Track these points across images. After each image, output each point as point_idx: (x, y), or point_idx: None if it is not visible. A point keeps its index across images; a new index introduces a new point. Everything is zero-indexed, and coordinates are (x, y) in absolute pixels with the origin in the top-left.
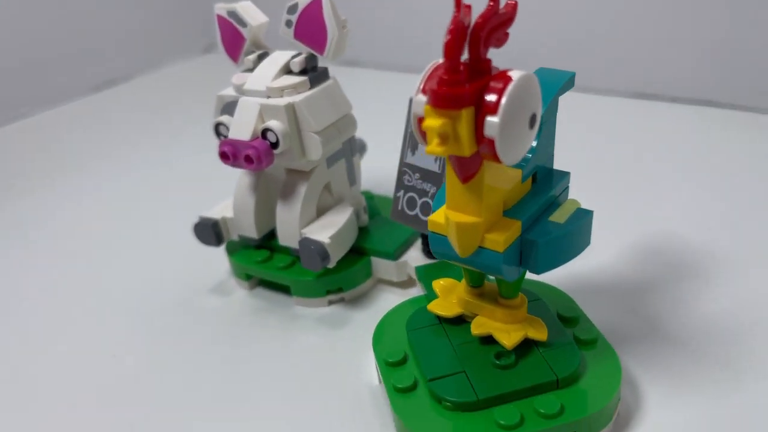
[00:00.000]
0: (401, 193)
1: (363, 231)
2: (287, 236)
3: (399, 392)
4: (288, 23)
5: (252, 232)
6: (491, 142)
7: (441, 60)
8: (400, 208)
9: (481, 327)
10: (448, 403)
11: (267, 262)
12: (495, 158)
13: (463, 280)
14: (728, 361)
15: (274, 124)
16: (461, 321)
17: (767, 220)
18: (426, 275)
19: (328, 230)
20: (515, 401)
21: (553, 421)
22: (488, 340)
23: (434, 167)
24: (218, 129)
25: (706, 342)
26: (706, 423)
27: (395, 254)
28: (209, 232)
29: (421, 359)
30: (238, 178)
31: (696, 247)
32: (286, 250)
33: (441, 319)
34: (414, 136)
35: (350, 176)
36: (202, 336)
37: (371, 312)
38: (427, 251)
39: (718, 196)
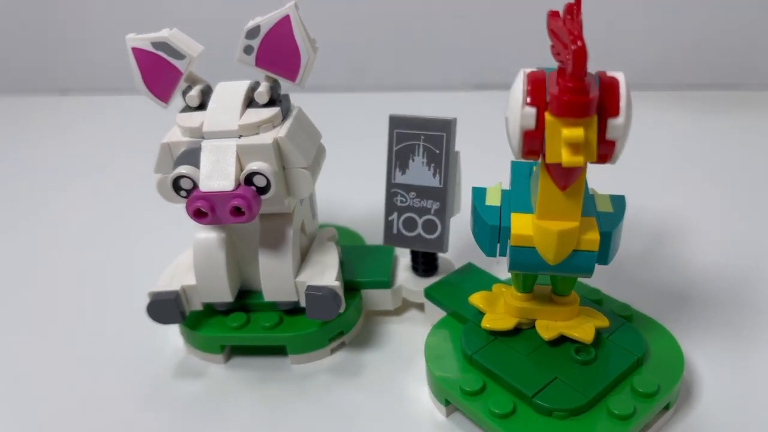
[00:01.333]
0: (394, 216)
1: (342, 265)
2: (278, 290)
3: (502, 418)
4: (247, 49)
5: (225, 296)
6: (612, 144)
7: (533, 69)
8: (395, 231)
9: (550, 330)
10: (562, 413)
11: (247, 326)
12: (606, 160)
13: (511, 289)
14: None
15: (262, 166)
16: (515, 331)
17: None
18: (436, 295)
19: (328, 272)
20: (613, 391)
21: (656, 398)
22: (555, 341)
23: (434, 182)
24: (179, 183)
25: (736, 299)
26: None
27: (391, 282)
28: (172, 308)
29: (508, 378)
30: (194, 235)
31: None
32: (266, 307)
33: (495, 335)
34: (398, 155)
35: (313, 209)
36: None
37: (381, 347)
38: (417, 269)
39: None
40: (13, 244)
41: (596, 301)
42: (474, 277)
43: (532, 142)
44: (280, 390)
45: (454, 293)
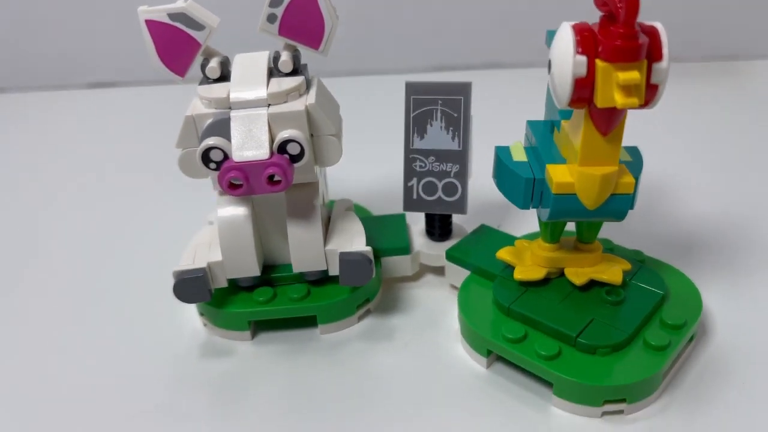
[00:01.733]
0: (414, 181)
1: None
2: (308, 260)
3: (551, 359)
4: (271, 18)
5: (253, 270)
6: (655, 88)
7: (581, 22)
8: (416, 197)
9: (581, 276)
10: (605, 349)
11: (275, 300)
12: (648, 104)
13: (538, 241)
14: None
15: (295, 133)
16: (544, 281)
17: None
18: (459, 255)
19: (357, 239)
20: (646, 326)
21: (685, 329)
22: (585, 287)
23: (453, 146)
24: (209, 155)
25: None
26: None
27: (410, 247)
28: (200, 286)
29: (550, 323)
30: (217, 209)
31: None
32: (291, 279)
33: (526, 286)
34: (416, 121)
35: (326, 181)
36: (256, 410)
37: (406, 311)
38: (433, 233)
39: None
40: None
41: (609, 249)
42: (490, 237)
43: (583, 90)
44: (314, 360)
45: (476, 252)
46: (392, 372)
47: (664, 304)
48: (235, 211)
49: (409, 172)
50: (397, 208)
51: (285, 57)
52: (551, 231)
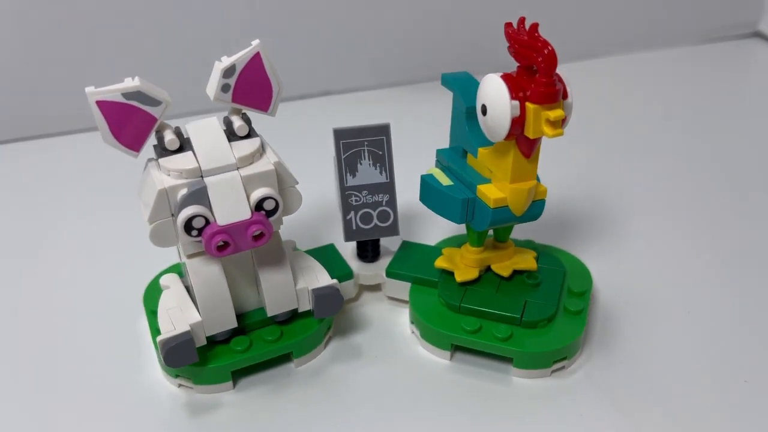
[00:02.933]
0: (351, 214)
1: None
2: (282, 301)
3: (507, 340)
4: (225, 87)
5: (232, 323)
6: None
7: (500, 74)
8: (355, 227)
9: (506, 268)
10: (544, 321)
11: (253, 346)
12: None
13: (466, 246)
14: None
15: (269, 191)
16: (477, 279)
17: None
18: (399, 270)
19: (320, 274)
20: (563, 298)
21: (588, 295)
22: (510, 276)
23: (381, 179)
24: (191, 224)
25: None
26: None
27: (352, 272)
28: (189, 349)
29: (497, 311)
30: (189, 271)
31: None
32: (261, 324)
33: (465, 285)
34: (347, 162)
35: None
36: None
37: (363, 328)
38: (367, 256)
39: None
40: None
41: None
42: (415, 250)
43: (516, 127)
44: (300, 393)
45: (410, 265)
46: (373, 384)
47: (566, 278)
48: (208, 270)
49: (346, 207)
50: (318, 239)
51: (239, 123)
52: (478, 237)
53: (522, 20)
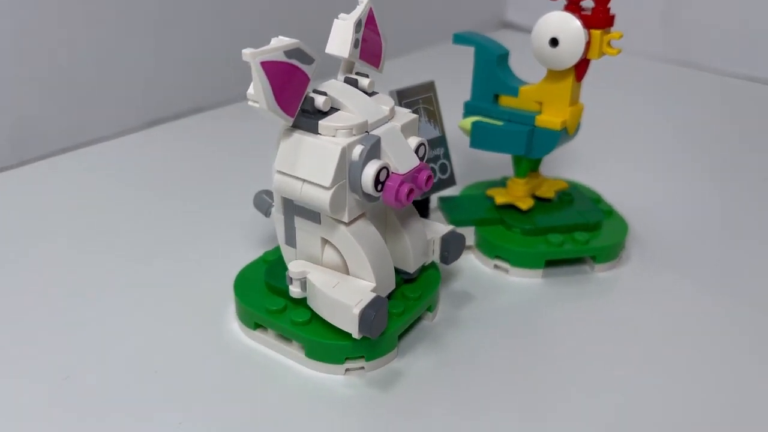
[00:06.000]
0: None
1: None
2: (421, 254)
3: (586, 243)
4: (356, 43)
5: (392, 284)
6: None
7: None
8: None
9: (549, 191)
10: (601, 222)
11: (407, 309)
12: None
13: (514, 181)
14: None
15: (420, 138)
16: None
17: None
18: (459, 217)
19: (432, 224)
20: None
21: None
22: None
23: (435, 133)
24: (379, 176)
25: None
26: None
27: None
28: (384, 314)
29: (572, 222)
30: (354, 236)
31: None
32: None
33: (527, 212)
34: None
35: None
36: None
37: (462, 278)
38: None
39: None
40: None
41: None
42: (458, 201)
43: (586, 50)
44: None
45: (465, 212)
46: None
47: (583, 191)
48: (369, 233)
49: None
50: None
51: (368, 80)
52: (529, 168)
53: None
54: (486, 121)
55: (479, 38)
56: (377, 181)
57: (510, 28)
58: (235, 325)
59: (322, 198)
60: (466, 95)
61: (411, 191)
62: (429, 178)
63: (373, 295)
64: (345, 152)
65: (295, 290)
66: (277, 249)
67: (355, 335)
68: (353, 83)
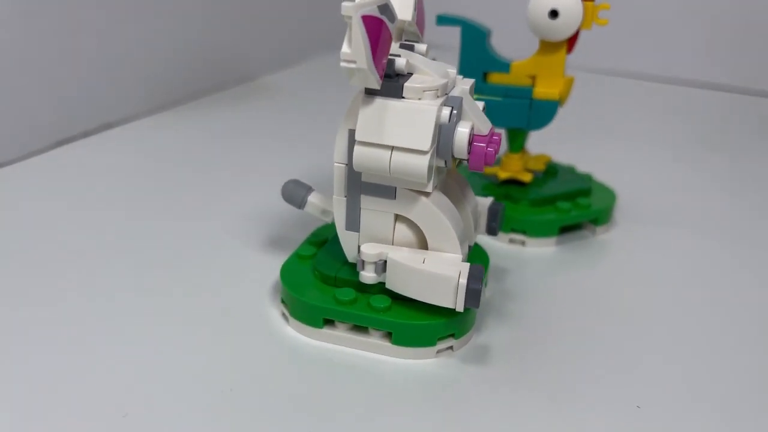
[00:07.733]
0: None
1: None
2: (476, 224)
3: (588, 207)
4: (414, 17)
5: (466, 254)
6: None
7: None
8: None
9: (538, 164)
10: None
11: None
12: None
13: (509, 156)
14: None
15: (482, 102)
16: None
17: None
18: None
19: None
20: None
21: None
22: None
23: None
24: (471, 137)
25: None
26: None
27: None
28: (480, 286)
29: (567, 190)
30: (437, 206)
31: None
32: None
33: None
34: None
35: None
36: None
37: None
38: None
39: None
40: None
41: None
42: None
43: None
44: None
45: None
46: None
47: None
48: (446, 203)
49: None
50: None
51: (423, 46)
52: (523, 142)
53: None
54: (483, 98)
55: (461, 18)
56: (470, 142)
57: None
58: (289, 329)
59: (418, 164)
60: None
61: (492, 154)
62: (498, 141)
63: (469, 264)
64: (437, 115)
65: (368, 275)
66: (308, 244)
67: (459, 308)
68: (410, 49)
